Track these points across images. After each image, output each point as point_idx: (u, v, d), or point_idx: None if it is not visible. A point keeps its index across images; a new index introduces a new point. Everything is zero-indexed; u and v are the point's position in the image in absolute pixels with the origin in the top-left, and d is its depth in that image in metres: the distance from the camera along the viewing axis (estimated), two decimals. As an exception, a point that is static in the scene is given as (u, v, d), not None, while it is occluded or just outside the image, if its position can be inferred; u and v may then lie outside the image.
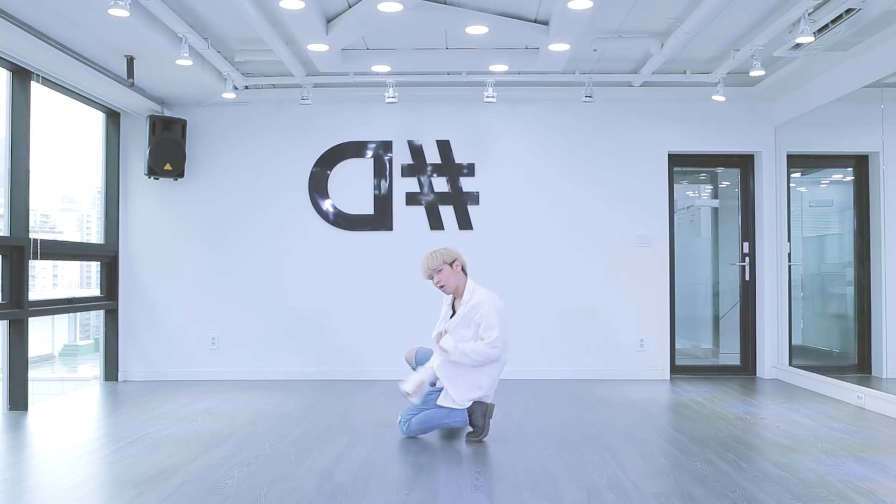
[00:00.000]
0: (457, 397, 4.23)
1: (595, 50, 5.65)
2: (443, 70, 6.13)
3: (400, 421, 4.34)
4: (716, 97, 6.03)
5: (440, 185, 6.64)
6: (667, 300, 6.60)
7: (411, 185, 6.65)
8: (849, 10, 4.38)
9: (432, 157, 6.65)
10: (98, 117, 6.54)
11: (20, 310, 5.15)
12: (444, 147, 6.64)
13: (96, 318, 7.14)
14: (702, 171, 7.70)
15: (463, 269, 4.36)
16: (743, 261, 6.84)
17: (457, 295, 4.36)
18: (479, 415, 4.23)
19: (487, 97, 6.03)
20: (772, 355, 6.59)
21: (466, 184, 6.63)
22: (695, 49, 5.58)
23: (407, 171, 6.64)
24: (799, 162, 6.75)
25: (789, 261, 6.55)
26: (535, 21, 5.16)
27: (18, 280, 5.15)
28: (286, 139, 6.69)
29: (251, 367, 6.59)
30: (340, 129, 6.67)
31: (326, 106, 6.62)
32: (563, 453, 3.88)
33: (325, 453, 3.91)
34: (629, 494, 3.15)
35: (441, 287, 4.33)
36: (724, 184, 7.51)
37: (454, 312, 4.36)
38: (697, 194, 7.92)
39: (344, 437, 4.30)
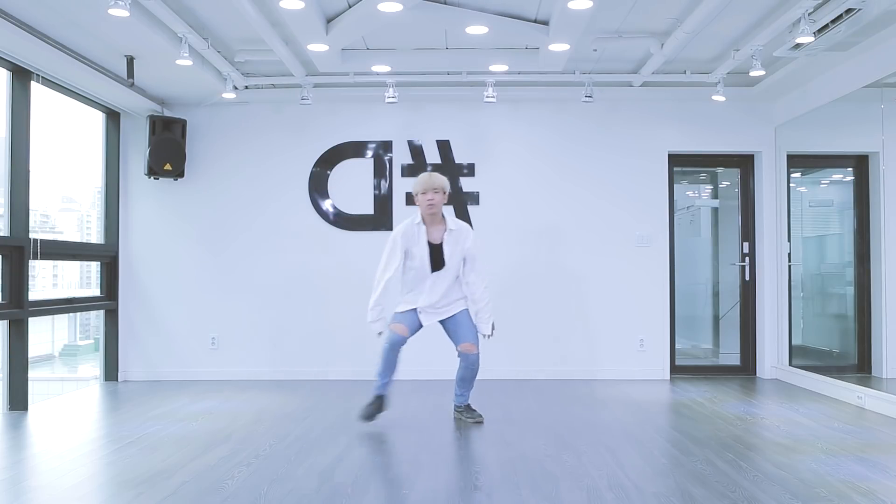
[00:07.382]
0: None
1: (595, 50, 5.65)
2: (443, 70, 6.13)
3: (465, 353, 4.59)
4: (716, 97, 6.03)
5: (440, 185, 6.64)
6: (667, 300, 6.60)
7: (411, 185, 6.63)
8: (849, 10, 4.37)
9: (432, 157, 6.64)
10: (98, 117, 6.54)
11: (20, 310, 5.15)
12: (444, 147, 6.64)
13: (96, 318, 7.14)
14: (702, 171, 7.70)
15: None
16: (743, 261, 6.84)
17: (435, 221, 4.56)
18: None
19: (487, 97, 6.03)
20: (772, 355, 6.59)
21: (466, 184, 6.63)
22: (695, 49, 5.58)
23: (407, 171, 6.64)
24: (799, 162, 6.75)
25: (789, 261, 6.55)
26: (535, 21, 5.16)
27: (18, 280, 5.15)
28: (286, 139, 6.69)
29: (251, 367, 6.58)
30: (340, 129, 6.67)
31: (326, 106, 6.61)
32: (563, 453, 3.88)
33: (325, 453, 3.91)
34: (629, 494, 3.15)
35: (430, 205, 4.51)
36: (724, 184, 7.50)
37: (430, 246, 4.53)
38: (697, 194, 7.92)
39: (344, 437, 4.30)
